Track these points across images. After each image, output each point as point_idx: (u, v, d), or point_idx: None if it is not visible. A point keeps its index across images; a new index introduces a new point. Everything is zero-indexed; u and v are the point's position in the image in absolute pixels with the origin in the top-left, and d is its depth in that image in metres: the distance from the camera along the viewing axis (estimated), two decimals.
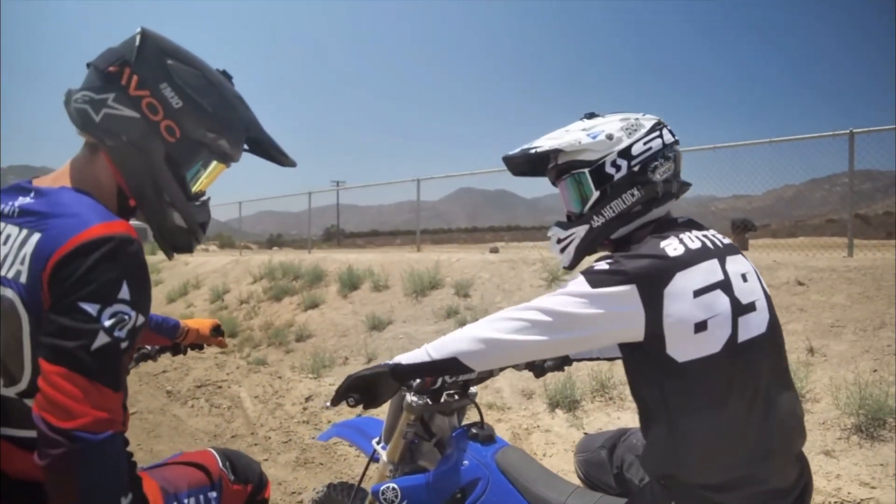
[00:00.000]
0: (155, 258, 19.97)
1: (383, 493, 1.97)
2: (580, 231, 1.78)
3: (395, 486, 1.96)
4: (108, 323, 1.19)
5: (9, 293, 1.25)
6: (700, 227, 1.75)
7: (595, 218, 1.74)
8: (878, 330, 5.32)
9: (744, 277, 1.63)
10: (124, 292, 1.22)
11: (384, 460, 2.12)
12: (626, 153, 1.70)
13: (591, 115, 1.85)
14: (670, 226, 1.72)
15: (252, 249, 23.67)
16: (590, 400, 5.53)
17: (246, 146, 1.62)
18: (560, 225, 1.85)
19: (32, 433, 1.20)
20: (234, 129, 1.53)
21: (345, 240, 30.84)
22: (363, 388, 1.70)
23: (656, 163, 1.71)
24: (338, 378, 7.04)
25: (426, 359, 1.65)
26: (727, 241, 1.74)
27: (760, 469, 1.52)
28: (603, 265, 1.56)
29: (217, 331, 2.43)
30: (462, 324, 7.50)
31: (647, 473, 1.67)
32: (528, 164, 1.92)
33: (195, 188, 1.56)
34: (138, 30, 1.43)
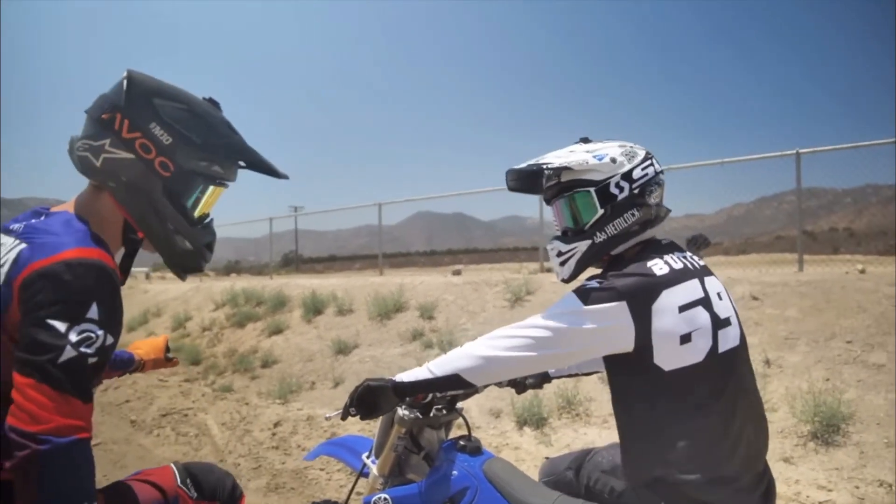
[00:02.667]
0: None
1: None
2: (582, 246, 1.88)
3: (387, 496, 2.02)
4: (75, 339, 1.27)
5: None
6: (680, 249, 1.89)
7: (598, 234, 1.85)
8: (829, 341, 5.55)
9: (719, 295, 1.79)
10: (93, 312, 1.31)
11: (374, 474, 2.18)
12: (628, 176, 1.83)
13: (585, 140, 1.98)
14: (655, 247, 1.86)
15: (210, 276, 23.31)
16: (556, 417, 5.63)
17: (242, 163, 1.70)
18: (561, 239, 1.95)
19: None
20: (224, 155, 1.63)
21: (303, 265, 30.55)
22: (365, 400, 1.79)
23: (651, 188, 1.85)
24: (305, 403, 7.03)
25: (428, 376, 1.74)
26: (702, 262, 1.89)
27: (740, 466, 1.66)
28: (593, 284, 1.67)
29: (168, 350, 2.41)
30: (428, 346, 7.56)
31: (632, 480, 1.77)
32: (525, 180, 1.98)
33: (197, 213, 1.66)
34: (125, 73, 1.53)
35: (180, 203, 1.59)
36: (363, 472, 2.25)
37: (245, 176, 1.82)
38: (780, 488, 3.99)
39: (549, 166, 1.87)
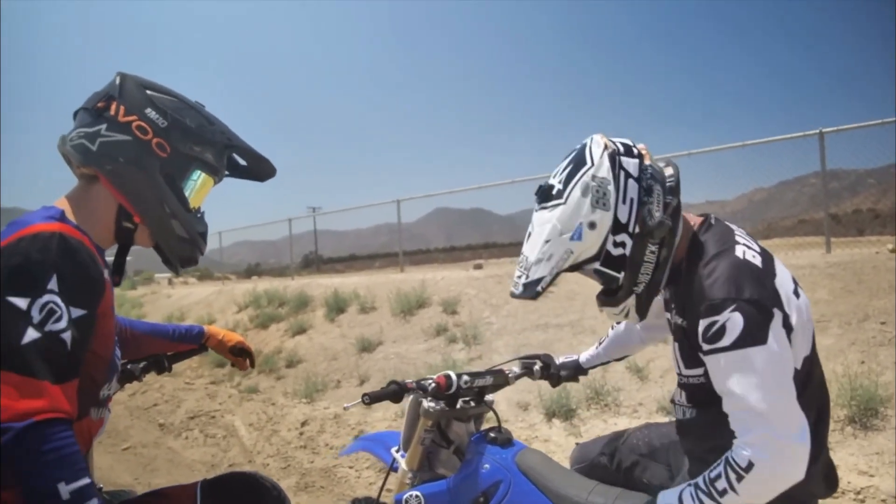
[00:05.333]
0: (136, 293, 19.76)
1: (407, 502, 1.98)
2: (630, 301, 1.71)
3: (419, 493, 1.97)
4: (37, 317, 1.23)
5: None
6: (723, 227, 1.73)
7: (635, 287, 1.68)
8: (862, 322, 5.42)
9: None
10: (53, 283, 1.27)
11: (403, 468, 2.13)
12: (618, 227, 1.61)
13: (543, 195, 1.71)
14: (708, 238, 1.69)
15: (231, 280, 23.48)
16: (585, 408, 5.56)
17: (227, 172, 1.75)
18: (607, 303, 1.75)
19: None
20: (215, 140, 1.65)
21: (323, 265, 30.69)
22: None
23: (647, 206, 1.62)
24: (332, 401, 7.01)
25: None
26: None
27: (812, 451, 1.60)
28: (737, 318, 1.47)
29: (239, 351, 2.34)
30: (452, 340, 7.52)
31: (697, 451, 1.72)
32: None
33: (191, 203, 1.65)
34: (117, 73, 1.58)
35: (177, 186, 1.60)
36: (393, 467, 2.21)
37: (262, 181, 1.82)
38: None
39: (543, 281, 1.65)
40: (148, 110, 1.54)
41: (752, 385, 1.42)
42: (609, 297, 1.74)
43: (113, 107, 1.52)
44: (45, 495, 1.16)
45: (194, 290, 17.52)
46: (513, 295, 1.72)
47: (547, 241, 1.64)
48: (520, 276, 1.70)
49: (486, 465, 1.90)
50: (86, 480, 1.21)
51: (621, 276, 1.65)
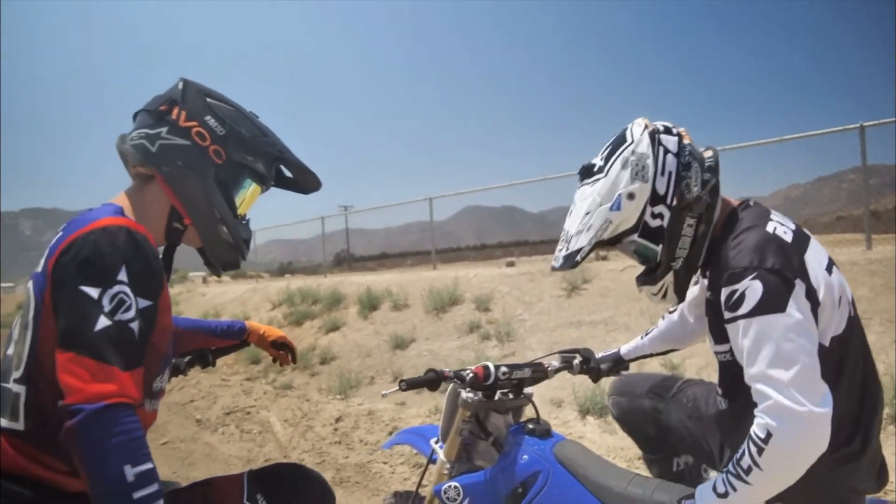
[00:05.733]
0: (171, 291, 20.03)
1: (445, 493, 1.98)
2: (668, 279, 1.74)
3: (457, 484, 1.98)
4: (108, 306, 1.29)
5: (30, 284, 1.40)
6: (759, 209, 1.73)
7: (673, 263, 1.70)
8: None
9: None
10: (122, 275, 1.33)
11: (441, 459, 2.13)
12: (656, 199, 1.64)
13: (585, 171, 1.77)
14: (744, 214, 1.69)
15: (265, 277, 23.74)
16: None
17: (281, 164, 1.81)
18: (646, 282, 1.78)
19: (19, 425, 1.34)
20: (268, 152, 1.71)
21: (355, 263, 30.87)
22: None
23: (685, 181, 1.65)
24: (366, 398, 7.05)
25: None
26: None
27: (861, 444, 1.57)
28: (757, 286, 1.48)
29: (280, 346, 2.35)
30: (485, 337, 7.50)
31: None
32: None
33: (239, 210, 1.71)
34: (180, 79, 1.64)
35: (228, 193, 1.65)
36: (432, 459, 2.21)
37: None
38: None
39: (582, 251, 1.69)
40: (208, 117, 1.61)
41: (769, 352, 1.43)
42: (648, 275, 1.77)
43: (175, 111, 1.58)
44: (111, 477, 1.20)
45: (228, 289, 17.74)
46: (553, 268, 1.77)
47: (587, 213, 1.69)
48: (560, 250, 1.74)
49: (525, 457, 1.90)
50: (149, 465, 1.25)
51: (659, 248, 1.67)
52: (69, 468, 1.36)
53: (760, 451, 1.39)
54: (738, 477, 1.43)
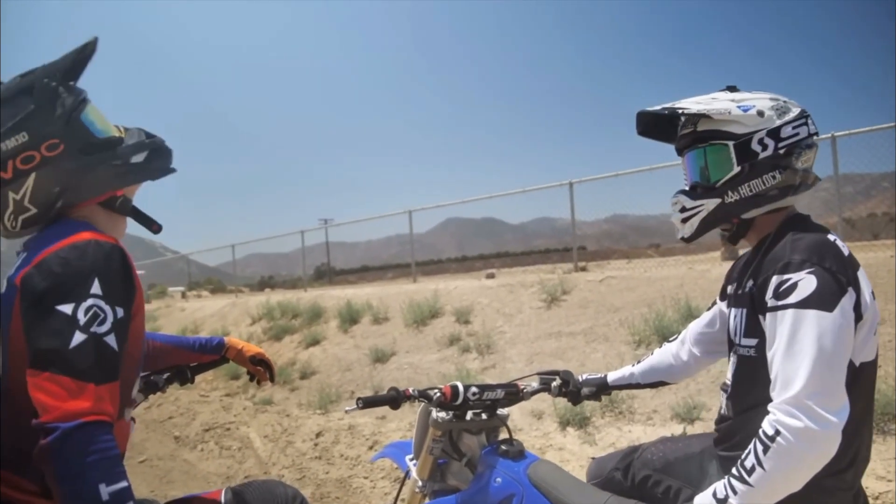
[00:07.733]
0: (150, 306, 19.87)
1: None
2: (710, 204, 1.72)
3: None
4: (83, 320, 1.27)
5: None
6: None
7: (729, 193, 1.69)
8: (878, 326, 5.38)
9: None
10: (96, 287, 1.31)
11: (413, 477, 2.11)
12: (774, 133, 1.65)
13: (732, 88, 1.78)
14: (807, 221, 1.69)
15: (244, 292, 23.58)
16: (600, 416, 5.54)
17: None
18: (687, 194, 1.78)
19: None
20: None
21: (335, 277, 30.76)
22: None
23: (801, 150, 1.66)
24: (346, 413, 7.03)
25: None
26: None
27: (854, 477, 1.57)
28: (812, 279, 1.45)
29: (259, 362, 2.30)
30: (465, 350, 7.52)
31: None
32: (657, 126, 1.87)
33: (105, 133, 1.56)
34: None
35: (88, 143, 1.50)
36: (408, 476, 2.19)
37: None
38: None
39: (686, 111, 1.72)
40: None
41: (804, 347, 1.39)
42: (693, 192, 1.79)
43: None
44: (86, 496, 1.18)
45: (207, 303, 17.63)
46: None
47: (714, 98, 1.75)
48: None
49: (498, 479, 1.85)
50: (124, 483, 1.23)
51: (736, 169, 1.68)
52: (40, 488, 1.35)
53: (766, 448, 1.36)
54: (740, 478, 1.41)
